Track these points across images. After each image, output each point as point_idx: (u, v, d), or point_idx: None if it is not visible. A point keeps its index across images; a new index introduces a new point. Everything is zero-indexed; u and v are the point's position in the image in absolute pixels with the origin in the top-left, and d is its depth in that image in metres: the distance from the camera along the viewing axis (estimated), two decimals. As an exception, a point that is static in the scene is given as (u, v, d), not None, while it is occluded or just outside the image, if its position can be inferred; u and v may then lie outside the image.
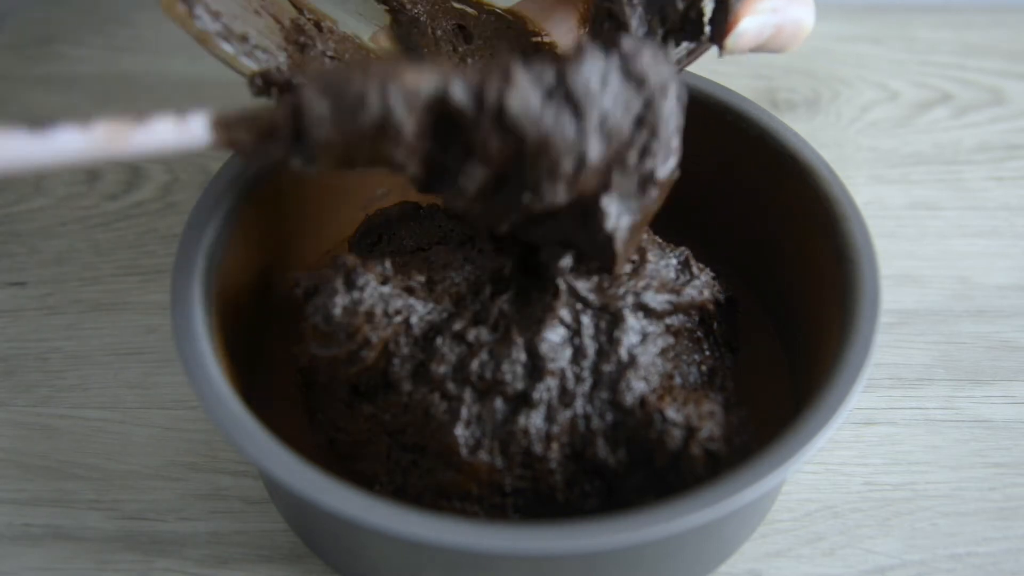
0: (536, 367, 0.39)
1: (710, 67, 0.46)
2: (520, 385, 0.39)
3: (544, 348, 0.39)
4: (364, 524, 0.35)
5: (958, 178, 0.58)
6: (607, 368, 0.40)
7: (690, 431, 0.39)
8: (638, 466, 0.39)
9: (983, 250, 0.54)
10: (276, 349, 0.46)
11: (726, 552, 0.43)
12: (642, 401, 0.39)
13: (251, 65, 0.39)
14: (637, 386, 0.40)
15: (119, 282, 0.53)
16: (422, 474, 0.40)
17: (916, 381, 0.49)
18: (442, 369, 0.39)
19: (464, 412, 0.39)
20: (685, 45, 0.43)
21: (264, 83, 0.39)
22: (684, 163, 0.45)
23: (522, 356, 0.39)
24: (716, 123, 0.46)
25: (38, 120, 0.32)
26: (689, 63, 0.44)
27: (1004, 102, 0.62)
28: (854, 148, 0.59)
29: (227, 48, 0.39)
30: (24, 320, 0.51)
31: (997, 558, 0.44)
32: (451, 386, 0.39)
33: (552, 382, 0.39)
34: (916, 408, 0.48)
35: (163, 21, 0.66)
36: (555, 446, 0.39)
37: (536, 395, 0.39)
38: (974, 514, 0.45)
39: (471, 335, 0.40)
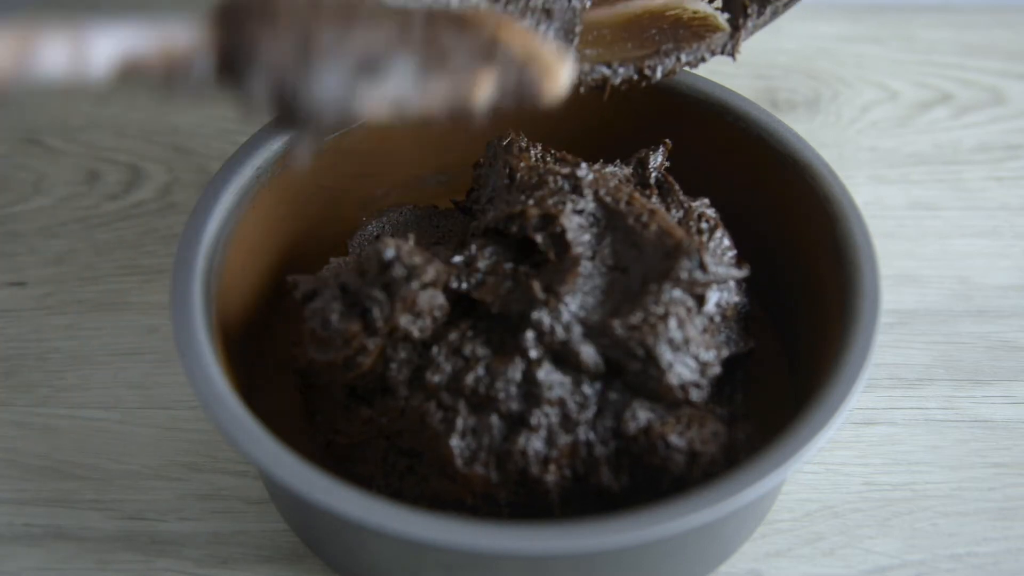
0: (532, 393, 0.39)
1: (710, 67, 0.46)
2: (515, 406, 0.39)
3: (541, 376, 0.39)
4: (364, 524, 0.35)
5: (958, 178, 0.58)
6: (613, 396, 0.39)
7: (693, 456, 0.38)
8: (641, 490, 0.39)
9: (983, 250, 0.54)
10: (276, 349, 0.46)
11: (726, 552, 0.43)
12: (646, 428, 0.39)
13: None
14: (643, 416, 0.39)
15: (119, 282, 0.53)
16: (418, 480, 0.40)
17: (916, 381, 0.49)
18: (437, 378, 0.39)
19: (459, 423, 0.39)
20: None
21: None
22: (684, 163, 0.46)
23: (517, 375, 0.39)
24: (716, 123, 0.46)
25: None
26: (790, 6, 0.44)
27: (1004, 102, 0.62)
28: (854, 148, 0.59)
29: None
30: (24, 320, 0.51)
31: (997, 558, 0.44)
32: (446, 396, 0.39)
33: (551, 409, 0.39)
34: (916, 408, 0.48)
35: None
36: (553, 468, 0.39)
37: (535, 420, 0.38)
38: (974, 514, 0.45)
39: (467, 349, 0.39)
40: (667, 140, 0.45)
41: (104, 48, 0.28)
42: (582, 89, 0.43)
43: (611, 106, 0.47)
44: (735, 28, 0.43)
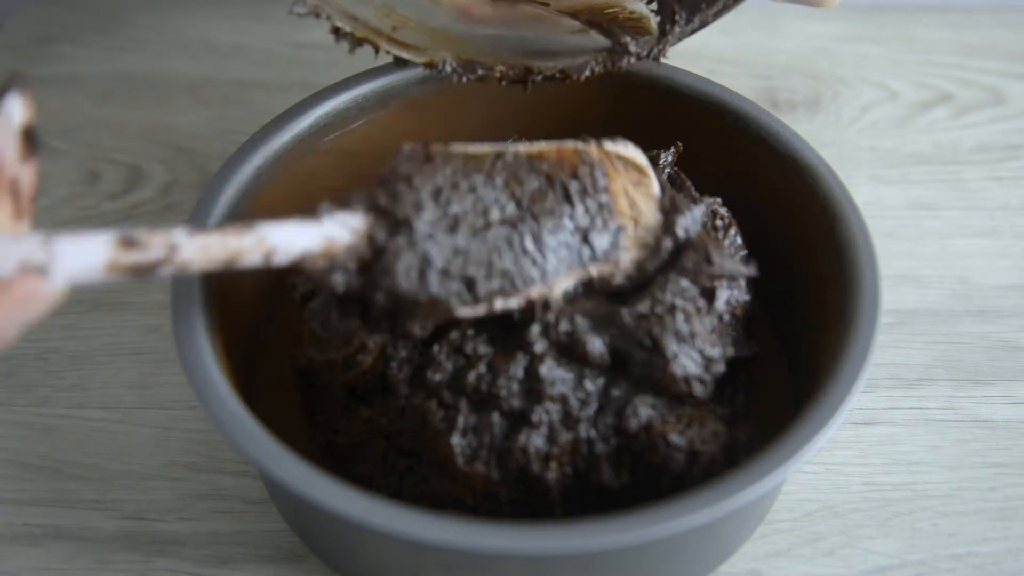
0: (534, 389, 0.39)
1: (710, 67, 0.46)
2: (516, 403, 0.39)
3: (544, 372, 0.39)
4: (364, 524, 0.35)
5: (958, 178, 0.58)
6: (616, 393, 0.39)
7: (693, 455, 0.38)
8: (641, 488, 0.39)
9: (983, 250, 0.54)
10: (276, 349, 0.46)
11: (726, 552, 0.43)
12: (647, 426, 0.39)
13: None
14: (644, 413, 0.39)
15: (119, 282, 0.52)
16: (418, 480, 0.40)
17: (916, 381, 0.49)
18: (438, 377, 0.39)
19: (460, 421, 0.39)
20: None
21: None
22: (684, 163, 0.46)
23: (519, 372, 0.39)
24: (716, 123, 0.46)
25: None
26: (728, 11, 0.44)
27: (1004, 102, 0.62)
28: (854, 148, 0.59)
29: None
30: (24, 320, 0.51)
31: (997, 558, 0.44)
32: (447, 394, 0.39)
33: (553, 406, 0.39)
34: (916, 408, 0.48)
35: (163, 21, 0.66)
36: (554, 466, 0.39)
37: (536, 417, 0.38)
38: (974, 514, 0.45)
39: (468, 346, 0.39)
40: (678, 143, 0.45)
41: (285, 253, 0.36)
42: (504, 83, 0.44)
43: (611, 106, 0.47)
44: (662, 33, 0.43)
